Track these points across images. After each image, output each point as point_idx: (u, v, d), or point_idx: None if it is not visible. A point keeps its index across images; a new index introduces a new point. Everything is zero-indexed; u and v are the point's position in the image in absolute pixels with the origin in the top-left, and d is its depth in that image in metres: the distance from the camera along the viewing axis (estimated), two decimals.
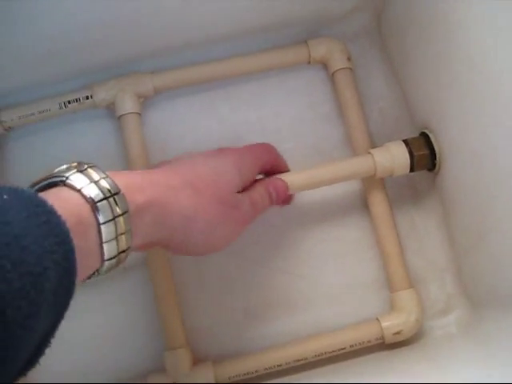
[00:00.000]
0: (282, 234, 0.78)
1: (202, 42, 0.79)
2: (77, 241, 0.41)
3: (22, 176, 0.75)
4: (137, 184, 0.52)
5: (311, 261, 0.78)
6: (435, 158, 0.72)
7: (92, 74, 0.79)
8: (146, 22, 0.72)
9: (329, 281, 0.77)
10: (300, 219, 0.78)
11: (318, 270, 0.77)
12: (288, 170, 0.71)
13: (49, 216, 0.40)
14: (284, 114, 0.81)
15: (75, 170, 0.47)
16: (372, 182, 0.76)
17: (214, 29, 0.77)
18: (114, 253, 0.47)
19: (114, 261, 0.48)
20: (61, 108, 0.78)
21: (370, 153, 0.72)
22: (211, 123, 0.81)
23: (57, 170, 0.48)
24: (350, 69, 0.80)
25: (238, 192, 0.63)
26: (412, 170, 0.72)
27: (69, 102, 0.78)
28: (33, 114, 0.78)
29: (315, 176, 0.71)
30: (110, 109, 0.79)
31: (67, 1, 0.64)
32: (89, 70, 0.79)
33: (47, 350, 0.41)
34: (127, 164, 0.76)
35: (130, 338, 0.75)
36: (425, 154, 0.72)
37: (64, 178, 0.46)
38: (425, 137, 0.73)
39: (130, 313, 0.76)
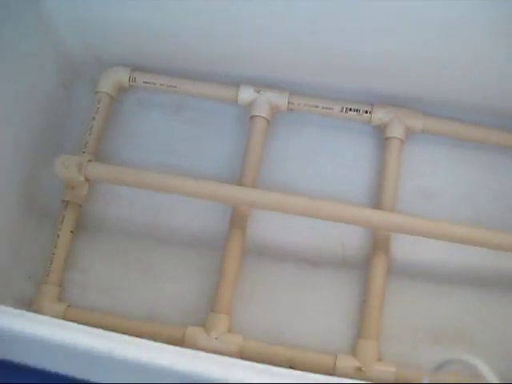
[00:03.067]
0: None
1: (470, 107, 0.92)
2: None
3: (285, 152, 0.93)
4: None
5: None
6: None
7: (370, 95, 0.92)
8: (435, 69, 0.85)
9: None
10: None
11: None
12: None
13: None
14: None
15: None
16: None
17: (483, 99, 0.90)
18: None
19: None
20: (341, 111, 0.91)
21: None
22: (456, 173, 0.93)
23: None
24: None
25: None
26: None
27: (350, 109, 0.91)
28: (317, 107, 0.91)
29: None
30: (379, 129, 0.92)
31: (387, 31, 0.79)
32: (370, 92, 0.92)
33: None
34: (380, 178, 0.89)
35: None
36: None
37: None
38: None
39: None
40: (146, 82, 0.94)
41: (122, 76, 0.94)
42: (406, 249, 0.88)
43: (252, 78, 0.93)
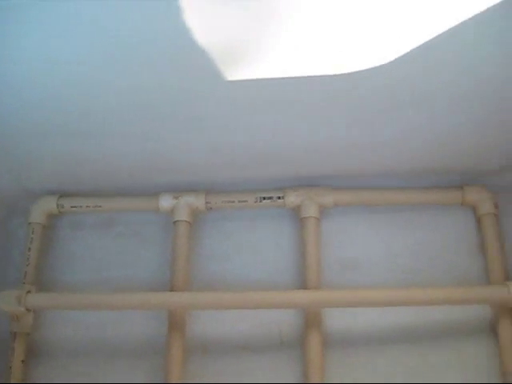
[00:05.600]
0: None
1: (376, 173, 0.98)
2: None
3: (210, 249, 0.97)
4: None
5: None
6: None
7: (283, 181, 0.98)
8: (337, 150, 0.92)
9: None
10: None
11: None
12: None
13: None
14: (433, 242, 0.98)
15: None
16: (503, 309, 0.89)
17: (387, 165, 0.96)
18: None
19: None
20: (256, 201, 0.97)
21: (506, 284, 0.87)
22: (373, 239, 0.98)
23: None
24: (495, 215, 0.96)
25: None
26: None
27: (264, 198, 0.97)
28: (233, 202, 0.97)
29: (454, 294, 0.87)
30: (294, 211, 0.97)
31: (285, 124, 0.86)
32: (282, 178, 0.98)
33: None
34: (303, 257, 0.94)
35: None
36: None
37: None
38: None
39: None
40: (73, 207, 1.00)
41: (50, 205, 1.00)
42: (339, 320, 0.93)
43: (171, 184, 0.99)
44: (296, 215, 0.98)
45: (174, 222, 0.97)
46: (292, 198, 0.96)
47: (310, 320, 0.91)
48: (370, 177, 0.99)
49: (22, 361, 0.94)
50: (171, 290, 0.93)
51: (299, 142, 0.90)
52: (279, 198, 0.96)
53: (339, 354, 0.91)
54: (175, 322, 0.92)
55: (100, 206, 0.99)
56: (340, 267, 0.96)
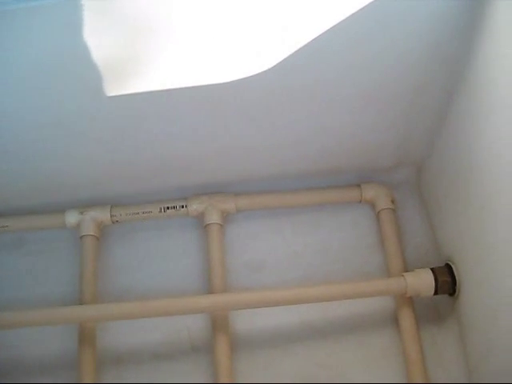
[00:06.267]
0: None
1: (276, 176, 1.01)
2: None
3: (119, 261, 0.98)
4: None
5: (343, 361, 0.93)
6: (455, 285, 0.89)
7: (187, 189, 1.01)
8: (235, 155, 0.94)
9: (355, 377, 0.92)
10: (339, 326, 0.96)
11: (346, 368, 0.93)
12: None
13: None
14: (335, 240, 1.01)
15: None
16: (403, 300, 0.93)
17: (286, 168, 1.00)
18: None
19: None
20: (160, 212, 0.99)
21: (403, 275, 0.91)
22: (277, 241, 1.01)
23: None
24: (393, 209, 1.00)
25: None
26: (436, 293, 0.90)
27: (167, 208, 0.99)
28: (137, 213, 0.99)
29: (357, 288, 0.90)
30: (198, 219, 1.00)
31: (181, 134, 0.88)
32: (186, 186, 1.00)
33: None
34: (208, 261, 0.96)
35: None
36: (447, 281, 0.89)
37: None
38: (448, 267, 0.91)
39: None
40: None
41: None
42: (246, 322, 0.95)
43: (77, 201, 1.00)
44: (200, 223, 1.00)
45: (81, 237, 0.98)
46: (195, 206, 0.99)
47: (218, 324, 0.93)
48: (271, 180, 1.02)
49: None
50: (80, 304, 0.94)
51: (198, 150, 0.93)
52: (182, 206, 0.99)
53: (248, 355, 0.94)
54: (85, 336, 0.93)
55: (7, 226, 1.00)
56: (246, 270, 0.99)
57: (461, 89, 0.80)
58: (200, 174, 0.99)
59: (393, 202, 1.00)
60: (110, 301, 0.96)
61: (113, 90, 0.77)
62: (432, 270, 0.91)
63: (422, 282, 0.90)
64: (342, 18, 0.72)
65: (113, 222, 0.99)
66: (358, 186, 1.01)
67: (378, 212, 1.00)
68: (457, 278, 0.89)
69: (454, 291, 0.90)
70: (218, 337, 0.92)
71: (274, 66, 0.77)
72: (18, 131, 0.85)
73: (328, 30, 0.73)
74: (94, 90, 0.77)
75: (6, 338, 0.97)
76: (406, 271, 0.93)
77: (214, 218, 0.98)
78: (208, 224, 0.98)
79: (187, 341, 0.95)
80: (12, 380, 0.95)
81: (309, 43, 0.75)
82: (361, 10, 0.71)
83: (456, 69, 0.79)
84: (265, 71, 0.78)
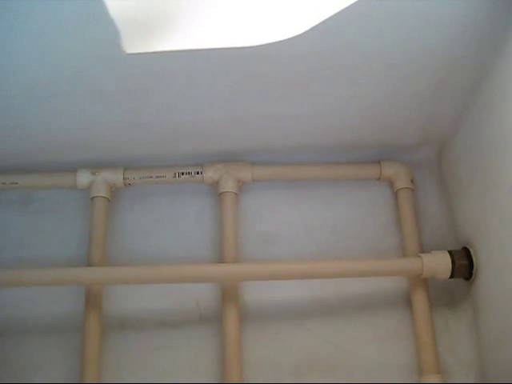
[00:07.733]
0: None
1: (295, 148, 0.99)
2: None
3: (129, 225, 0.96)
4: None
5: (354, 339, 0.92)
6: (472, 269, 0.87)
7: (203, 156, 0.98)
8: (254, 123, 0.92)
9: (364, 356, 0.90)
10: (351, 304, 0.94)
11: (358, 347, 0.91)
12: None
13: None
14: (352, 216, 0.99)
15: None
16: (417, 281, 0.91)
17: (306, 139, 0.97)
18: None
19: None
20: (174, 177, 0.97)
21: (419, 256, 0.88)
22: (292, 213, 0.99)
23: None
24: (412, 189, 0.98)
25: None
26: (452, 276, 0.88)
27: (182, 174, 0.96)
28: (151, 177, 0.97)
29: (372, 266, 0.88)
30: (213, 186, 0.97)
31: (201, 98, 0.85)
32: (202, 153, 0.98)
33: None
34: (220, 230, 0.94)
35: None
36: (464, 264, 0.88)
37: None
38: (466, 251, 0.89)
39: None
40: None
41: None
42: (257, 293, 0.93)
43: (89, 161, 0.98)
44: (215, 190, 0.97)
45: (92, 198, 0.96)
46: (210, 173, 0.96)
47: (228, 294, 0.91)
48: (289, 152, 0.99)
49: None
50: (88, 266, 0.92)
51: (217, 116, 0.90)
52: (197, 173, 0.96)
53: (257, 327, 0.92)
54: (92, 298, 0.91)
55: (16, 183, 0.98)
56: (259, 241, 0.97)
57: (496, 66, 0.77)
58: (217, 141, 0.97)
59: (412, 181, 0.98)
60: (118, 265, 0.94)
61: (134, 46, 0.74)
62: (449, 252, 0.89)
63: (439, 263, 0.88)
64: None
65: (125, 185, 0.97)
66: (378, 162, 0.99)
67: (397, 191, 0.98)
68: (474, 261, 0.87)
69: (470, 275, 0.88)
70: (227, 307, 0.90)
71: (304, 33, 0.74)
72: (31, 85, 0.82)
73: None
74: (114, 45, 0.74)
75: (8, 297, 0.94)
76: (422, 253, 0.91)
77: (229, 186, 0.95)
78: (223, 192, 0.96)
79: (195, 310, 0.93)
80: (12, 339, 0.93)
81: (341, 11, 0.71)
82: None
83: (493, 45, 0.76)
84: (294, 37, 0.75)
